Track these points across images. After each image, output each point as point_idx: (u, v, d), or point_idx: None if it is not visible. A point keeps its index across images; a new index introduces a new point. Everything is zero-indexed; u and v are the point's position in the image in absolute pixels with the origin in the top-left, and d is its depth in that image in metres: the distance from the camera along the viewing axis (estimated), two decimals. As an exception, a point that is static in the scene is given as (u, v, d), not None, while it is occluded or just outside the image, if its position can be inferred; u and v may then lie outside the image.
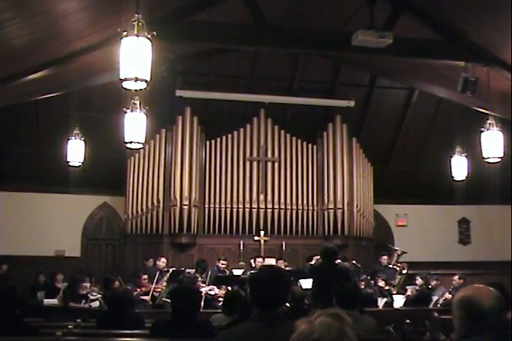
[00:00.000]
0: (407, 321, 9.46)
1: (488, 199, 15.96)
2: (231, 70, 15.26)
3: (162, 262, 12.56)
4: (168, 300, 8.21)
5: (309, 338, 2.23)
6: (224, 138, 15.09)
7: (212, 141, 15.04)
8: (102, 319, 6.16)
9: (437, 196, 16.51)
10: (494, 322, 2.76)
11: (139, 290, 11.37)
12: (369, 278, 12.09)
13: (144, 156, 14.75)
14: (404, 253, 13.29)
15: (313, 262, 11.93)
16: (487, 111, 11.61)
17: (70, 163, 12.97)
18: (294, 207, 14.95)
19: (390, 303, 11.00)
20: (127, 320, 5.96)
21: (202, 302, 10.52)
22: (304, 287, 10.10)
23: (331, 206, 15.03)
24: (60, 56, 9.69)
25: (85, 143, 12.91)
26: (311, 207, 15.09)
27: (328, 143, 15.46)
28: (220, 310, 7.21)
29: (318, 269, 9.12)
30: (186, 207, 14.32)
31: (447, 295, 10.91)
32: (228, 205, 14.65)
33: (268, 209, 14.77)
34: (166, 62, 12.10)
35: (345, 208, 15.05)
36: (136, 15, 6.46)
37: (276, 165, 15.18)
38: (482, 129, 10.99)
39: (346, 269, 9.55)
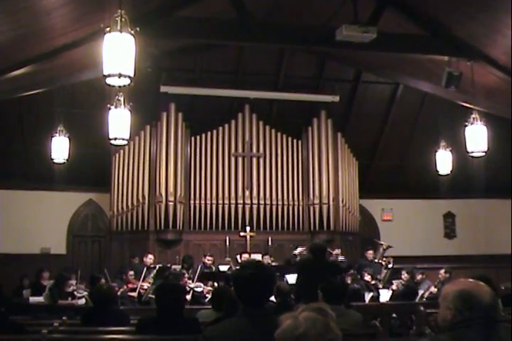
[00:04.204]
0: (394, 315, 9.48)
1: (473, 193, 16.04)
2: (216, 66, 15.21)
3: (149, 258, 12.49)
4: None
5: (294, 333, 2.23)
6: (209, 133, 15.05)
7: (197, 137, 15.00)
8: (86, 316, 6.14)
9: (423, 190, 16.56)
10: (487, 316, 2.78)
11: (125, 286, 11.34)
12: (355, 272, 12.11)
13: (129, 153, 14.68)
14: (390, 247, 13.31)
15: (296, 252, 11.99)
16: (471, 106, 11.65)
17: (54, 160, 12.94)
18: (280, 203, 14.94)
19: (376, 298, 11.03)
20: (111, 316, 5.94)
21: (188, 299, 10.58)
22: (290, 282, 10.11)
23: (317, 201, 15.04)
24: (44, 52, 9.64)
25: (70, 140, 12.87)
26: (296, 203, 15.09)
27: (314, 138, 15.45)
28: (207, 307, 7.20)
29: (306, 265, 9.14)
30: (172, 203, 14.28)
31: (433, 289, 10.93)
32: (214, 201, 14.62)
33: (254, 205, 14.76)
34: (151, 58, 12.04)
35: (331, 203, 15.06)
36: (119, 10, 6.43)
37: (261, 160, 15.16)
38: (466, 124, 11.03)
39: (336, 266, 9.60)
